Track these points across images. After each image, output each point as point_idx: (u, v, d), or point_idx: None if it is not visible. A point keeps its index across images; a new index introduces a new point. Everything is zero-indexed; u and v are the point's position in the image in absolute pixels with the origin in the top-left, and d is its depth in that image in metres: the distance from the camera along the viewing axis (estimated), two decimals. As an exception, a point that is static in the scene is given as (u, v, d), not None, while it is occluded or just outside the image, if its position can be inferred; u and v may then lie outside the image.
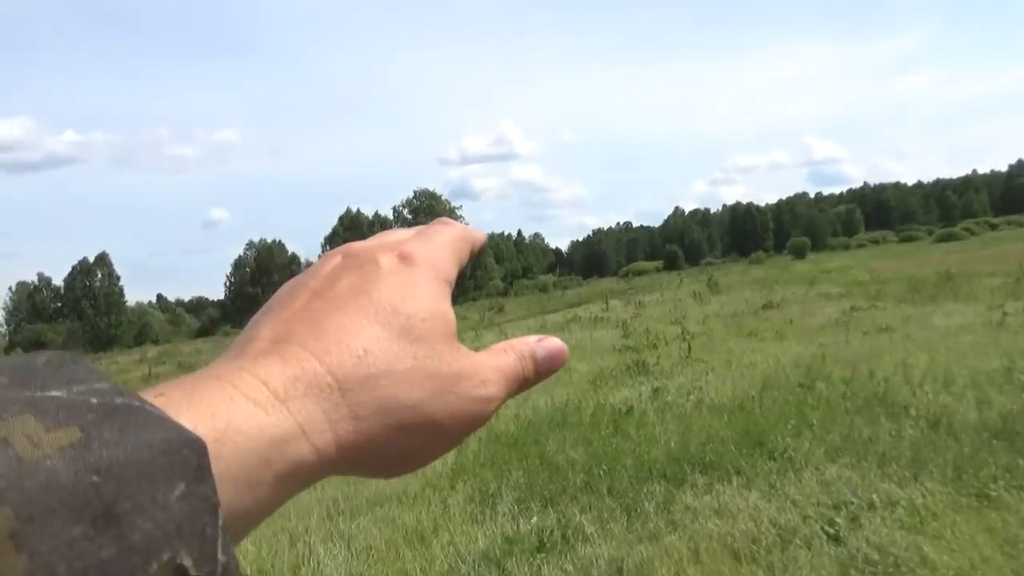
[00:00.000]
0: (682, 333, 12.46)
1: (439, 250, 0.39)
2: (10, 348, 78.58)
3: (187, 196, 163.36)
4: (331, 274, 0.37)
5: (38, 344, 72.54)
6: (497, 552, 4.36)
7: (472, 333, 22.49)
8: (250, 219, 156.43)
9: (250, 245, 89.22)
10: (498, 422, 7.90)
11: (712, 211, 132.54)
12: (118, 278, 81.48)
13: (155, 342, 68.54)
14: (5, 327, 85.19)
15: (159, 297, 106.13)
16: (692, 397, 7.66)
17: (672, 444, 5.92)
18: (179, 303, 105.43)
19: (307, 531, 5.31)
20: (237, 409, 0.29)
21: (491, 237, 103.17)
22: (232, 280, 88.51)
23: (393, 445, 0.33)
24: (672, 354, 10.90)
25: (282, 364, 0.32)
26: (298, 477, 0.31)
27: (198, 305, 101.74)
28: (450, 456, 6.89)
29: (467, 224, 0.43)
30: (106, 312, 78.01)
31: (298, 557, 4.87)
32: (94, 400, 0.25)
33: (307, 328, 0.34)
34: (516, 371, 0.38)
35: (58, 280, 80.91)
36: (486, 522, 4.96)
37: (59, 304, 79.25)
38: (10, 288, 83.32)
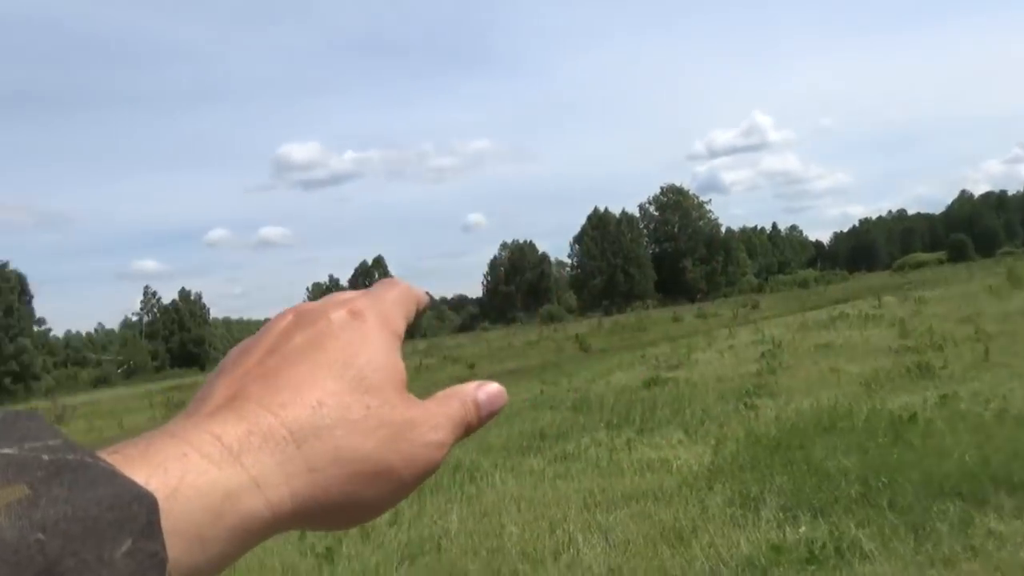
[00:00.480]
0: (975, 333, 10.91)
1: (388, 306, 0.41)
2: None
3: (448, 203, 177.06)
4: (284, 331, 0.38)
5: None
6: (762, 559, 4.14)
7: (725, 331, 21.64)
8: (503, 222, 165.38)
9: (504, 246, 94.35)
10: (758, 424, 7.51)
11: (1010, 193, 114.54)
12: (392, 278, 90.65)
13: (424, 336, 75.32)
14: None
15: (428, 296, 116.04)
16: (992, 406, 6.67)
17: (968, 458, 5.19)
18: (443, 300, 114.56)
19: (566, 519, 5.46)
20: (190, 464, 0.29)
21: (743, 231, 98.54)
22: (488, 279, 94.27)
23: (349, 494, 0.33)
24: (963, 356, 9.59)
25: (236, 419, 0.32)
26: (251, 532, 0.31)
27: (459, 303, 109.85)
28: (706, 456, 6.69)
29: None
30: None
31: (558, 544, 5.03)
32: (45, 457, 0.25)
33: (261, 383, 0.34)
34: (461, 416, 0.39)
35: (344, 281, 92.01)
36: (748, 527, 4.73)
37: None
38: (307, 288, 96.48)
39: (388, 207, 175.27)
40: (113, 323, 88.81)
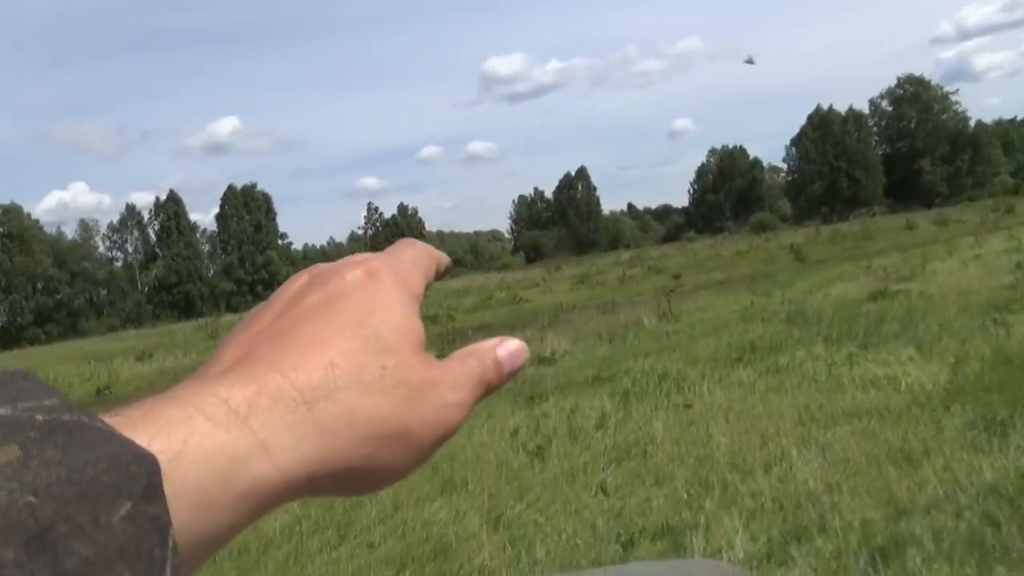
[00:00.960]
0: None
1: (406, 266, 0.38)
2: (515, 251, 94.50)
3: (653, 109, 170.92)
4: (298, 292, 0.36)
5: (535, 248, 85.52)
6: (1010, 488, 3.71)
7: (970, 239, 19.30)
8: (712, 127, 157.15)
9: (712, 152, 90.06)
10: (1009, 342, 6.66)
11: None
12: (595, 189, 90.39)
13: (627, 247, 75.03)
14: (510, 234, 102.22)
15: (629, 206, 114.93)
16: None
17: None
18: (647, 211, 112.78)
19: (779, 433, 5.25)
20: (195, 427, 0.27)
21: (998, 124, 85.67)
22: (695, 187, 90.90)
23: (365, 458, 0.31)
24: None
25: (244, 381, 0.30)
26: (261, 498, 0.29)
27: (664, 212, 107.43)
28: (942, 374, 6.08)
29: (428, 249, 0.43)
30: (586, 219, 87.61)
31: (770, 456, 4.86)
32: (39, 417, 0.24)
33: (271, 344, 0.32)
34: (480, 375, 0.36)
35: (549, 193, 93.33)
36: (993, 452, 4.25)
37: (550, 213, 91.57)
38: (513, 201, 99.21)
39: (591, 117, 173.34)
40: (342, 236, 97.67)
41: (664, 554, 4.03)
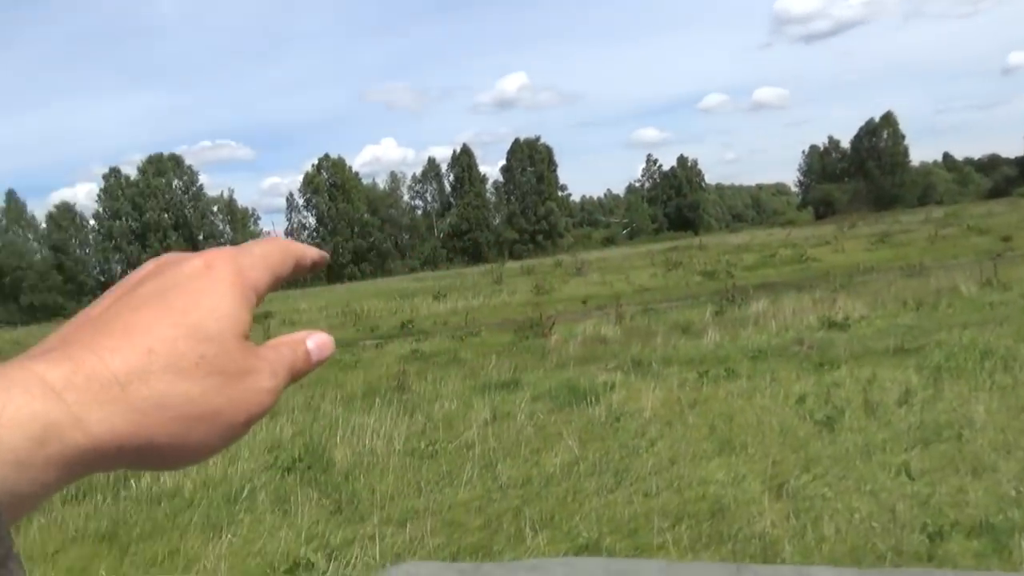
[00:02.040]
0: None
1: (250, 260, 0.40)
2: (802, 206, 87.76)
3: (982, 42, 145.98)
4: (137, 280, 0.38)
5: (826, 203, 78.62)
6: None
7: None
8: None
9: (1062, 90, 74.73)
10: None
11: None
12: (903, 137, 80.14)
13: (939, 203, 65.77)
14: (798, 187, 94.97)
15: (945, 156, 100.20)
16: None
17: None
18: (968, 161, 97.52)
19: None
20: (11, 397, 0.30)
21: None
22: (1035, 134, 76.42)
23: (175, 436, 0.34)
24: None
25: (62, 360, 0.32)
26: (73, 462, 0.31)
27: (990, 163, 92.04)
28: None
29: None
30: (890, 172, 78.25)
31: None
32: None
33: (95, 329, 0.35)
34: (291, 363, 0.39)
35: (846, 142, 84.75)
36: None
37: (845, 165, 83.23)
38: (803, 151, 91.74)
39: (901, 55, 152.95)
40: (619, 188, 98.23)
41: (982, 555, 3.52)
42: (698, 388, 7.10)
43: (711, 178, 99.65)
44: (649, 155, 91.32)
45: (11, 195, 64.53)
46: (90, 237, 64.92)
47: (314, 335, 0.42)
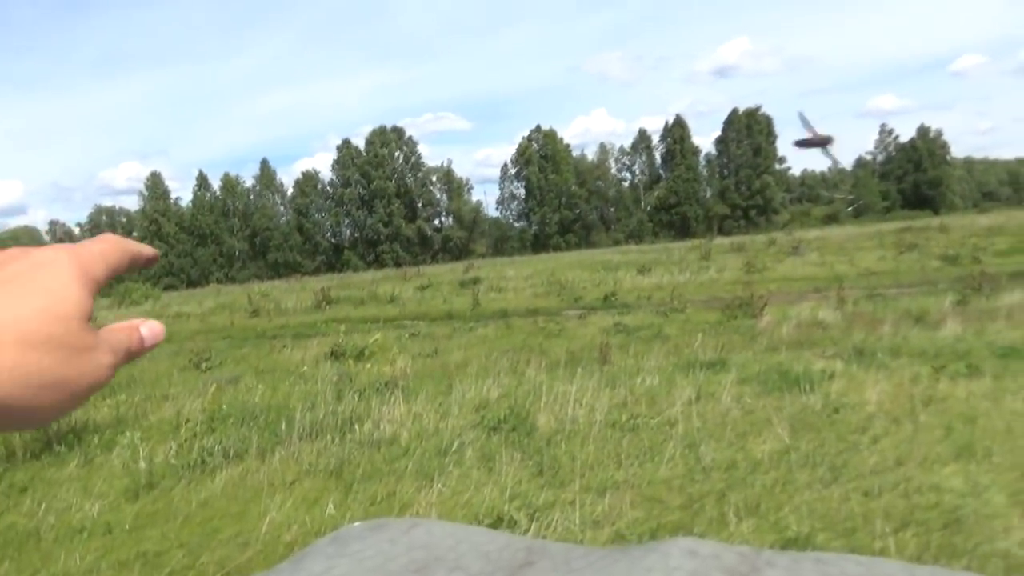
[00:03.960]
0: None
1: (91, 255, 0.47)
2: (1075, 184, 75.06)
3: None
4: None
5: (1107, 181, 66.57)
6: None
7: None
8: None
9: None
10: None
11: None
12: None
13: None
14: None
15: None
16: None
17: None
18: None
19: None
20: None
21: None
22: None
23: (23, 400, 0.40)
24: None
25: None
26: None
27: None
28: None
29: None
30: None
31: None
32: None
33: None
34: (128, 346, 0.47)
35: None
36: None
37: None
38: (1081, 120, 78.30)
39: None
40: (846, 162, 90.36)
41: None
42: (933, 384, 6.39)
43: (959, 151, 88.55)
44: (883, 125, 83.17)
45: (264, 164, 73.12)
46: (326, 203, 71.80)
47: (148, 323, 0.49)
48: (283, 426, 6.53)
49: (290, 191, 72.61)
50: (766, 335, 9.81)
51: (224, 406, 7.48)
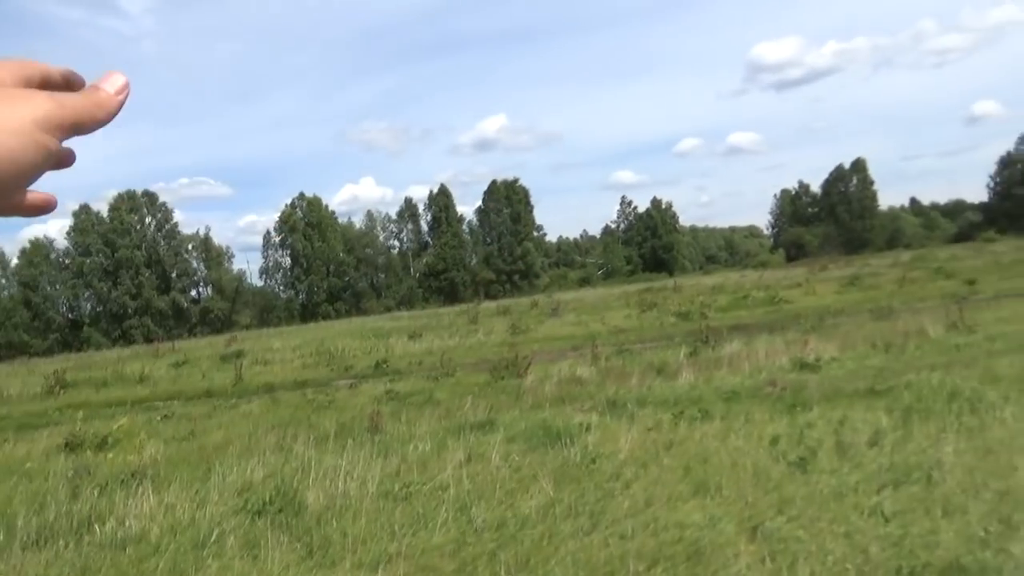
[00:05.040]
0: None
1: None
2: (774, 248, 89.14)
3: (949, 91, 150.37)
4: None
5: (797, 246, 80.00)
6: None
7: None
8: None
9: (1022, 139, 77.34)
10: None
11: None
12: (872, 182, 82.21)
13: (907, 247, 67.23)
14: (770, 230, 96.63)
15: (912, 201, 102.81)
16: None
17: None
18: (934, 207, 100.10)
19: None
20: None
21: None
22: (997, 180, 78.89)
23: None
24: None
25: None
26: None
27: (955, 208, 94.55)
28: None
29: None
30: (860, 216, 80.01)
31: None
32: None
33: None
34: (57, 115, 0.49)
35: (816, 186, 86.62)
36: None
37: (816, 209, 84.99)
38: (775, 195, 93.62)
39: (871, 103, 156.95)
40: (595, 229, 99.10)
41: (954, 596, 3.54)
42: (673, 429, 7.11)
43: (686, 220, 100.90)
44: (624, 197, 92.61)
45: (-20, 232, 63.38)
46: (61, 274, 63.84)
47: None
48: (0, 536, 5.60)
49: (15, 261, 63.70)
50: (531, 393, 10.31)
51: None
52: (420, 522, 5.19)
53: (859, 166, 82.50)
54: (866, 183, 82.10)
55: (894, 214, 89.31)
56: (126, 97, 0.53)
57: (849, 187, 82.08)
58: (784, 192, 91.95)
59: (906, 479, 5.05)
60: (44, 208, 0.56)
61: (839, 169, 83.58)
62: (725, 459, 5.93)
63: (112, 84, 0.52)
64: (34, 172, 0.48)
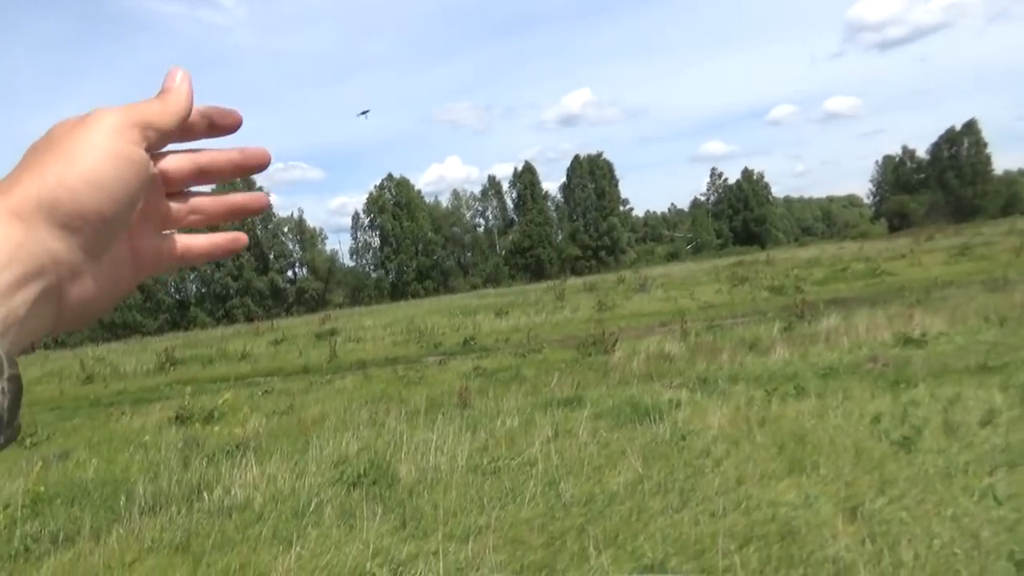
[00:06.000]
0: None
1: (140, 106, 0.48)
2: (875, 218, 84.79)
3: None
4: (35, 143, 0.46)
5: (901, 215, 75.84)
6: None
7: None
8: None
9: None
10: None
11: None
12: (985, 145, 76.84)
13: (1024, 213, 62.62)
14: (871, 199, 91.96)
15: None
16: None
17: None
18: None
19: None
20: None
21: None
22: None
23: (103, 235, 0.45)
24: None
25: (13, 187, 0.43)
26: (46, 279, 0.42)
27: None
28: None
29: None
30: (971, 182, 75.03)
31: None
32: None
33: (18, 171, 0.44)
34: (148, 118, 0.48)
35: (922, 152, 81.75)
36: None
37: (922, 175, 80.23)
38: (877, 162, 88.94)
39: (984, 60, 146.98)
40: (683, 203, 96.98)
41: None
42: (766, 406, 6.91)
43: (779, 191, 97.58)
44: (714, 168, 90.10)
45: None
46: (168, 257, 67.47)
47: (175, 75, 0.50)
48: (121, 501, 6.02)
49: (125, 245, 67.84)
50: (618, 370, 10.22)
51: (42, 487, 6.77)
52: (508, 496, 5.25)
53: (971, 128, 77.17)
54: (979, 146, 76.75)
55: (1010, 178, 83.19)
56: (189, 85, 0.50)
57: (960, 151, 76.94)
58: (887, 159, 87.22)
59: (1022, 461, 4.74)
60: (218, 250, 0.55)
61: (949, 132, 78.43)
62: (822, 437, 5.72)
63: (171, 79, 0.50)
64: (127, 191, 0.45)
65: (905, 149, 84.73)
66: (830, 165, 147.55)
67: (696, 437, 6.13)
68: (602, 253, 74.41)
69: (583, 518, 4.72)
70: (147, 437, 9.14)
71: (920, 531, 3.94)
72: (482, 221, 78.53)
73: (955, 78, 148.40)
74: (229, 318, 61.79)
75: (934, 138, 79.80)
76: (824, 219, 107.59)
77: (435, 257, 72.72)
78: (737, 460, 5.44)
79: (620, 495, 5.01)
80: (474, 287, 65.89)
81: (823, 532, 4.09)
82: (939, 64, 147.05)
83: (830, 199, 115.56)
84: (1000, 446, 5.05)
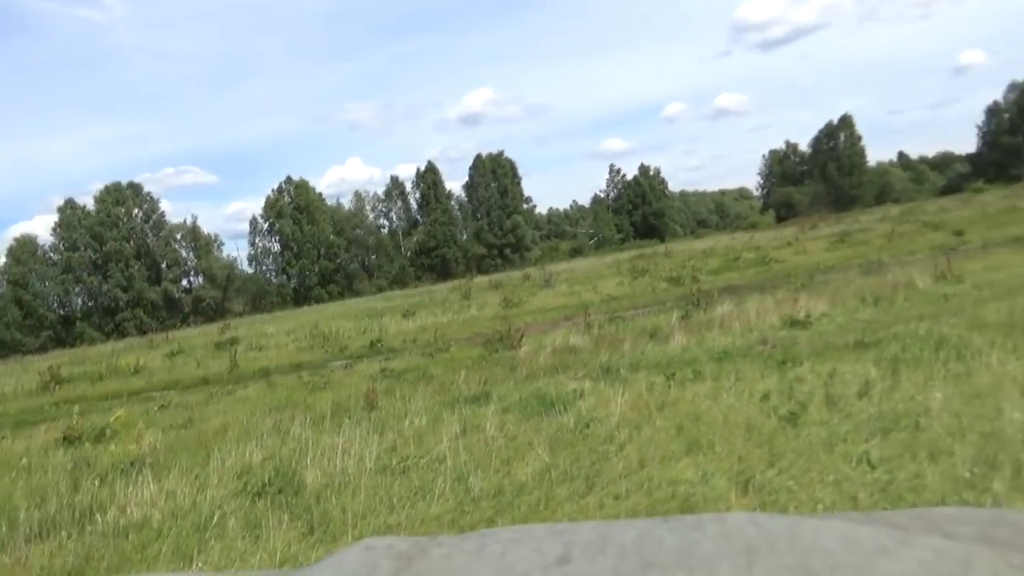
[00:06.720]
0: None
1: None
2: (764, 210, 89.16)
3: (934, 42, 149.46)
4: None
5: (787, 205, 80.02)
6: None
7: None
8: (1012, 57, 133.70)
9: (1012, 87, 77.09)
10: None
11: None
12: (859, 138, 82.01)
13: (896, 201, 67.34)
14: (760, 191, 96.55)
15: (900, 155, 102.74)
16: None
17: None
18: (922, 160, 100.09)
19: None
20: None
21: None
22: (984, 130, 78.88)
23: None
24: None
25: None
26: None
27: (943, 161, 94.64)
28: None
29: None
30: (849, 173, 79.94)
31: (1082, 438, 4.13)
32: None
33: None
34: None
35: (804, 145, 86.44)
36: None
37: (805, 168, 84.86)
38: (764, 156, 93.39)
39: (857, 58, 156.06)
40: (585, 199, 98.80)
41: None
42: (666, 391, 7.18)
43: (675, 185, 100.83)
44: (612, 165, 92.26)
45: (-35, 232, 62.85)
46: (49, 271, 63.46)
47: None
48: (2, 529, 5.64)
49: (2, 260, 63.28)
50: (525, 364, 10.36)
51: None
52: (418, 494, 5.26)
53: (846, 122, 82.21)
54: (854, 139, 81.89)
55: (882, 169, 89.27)
56: None
57: (837, 144, 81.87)
58: (772, 152, 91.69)
59: (894, 427, 5.13)
60: None
61: (827, 126, 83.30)
62: (717, 417, 6.00)
63: None
64: None
65: (788, 143, 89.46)
66: (721, 159, 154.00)
67: (600, 424, 6.31)
68: (507, 251, 74.92)
69: (492, 510, 4.78)
70: (29, 460, 8.58)
71: (806, 497, 4.21)
72: (386, 222, 77.59)
73: (832, 75, 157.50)
74: (120, 332, 58.52)
75: (815, 132, 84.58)
76: (718, 211, 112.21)
77: (338, 260, 71.28)
78: (639, 444, 5.64)
79: (528, 485, 5.11)
80: (380, 289, 65.01)
81: (718, 505, 4.31)
82: (817, 62, 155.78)
83: (722, 192, 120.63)
84: (875, 415, 5.45)
